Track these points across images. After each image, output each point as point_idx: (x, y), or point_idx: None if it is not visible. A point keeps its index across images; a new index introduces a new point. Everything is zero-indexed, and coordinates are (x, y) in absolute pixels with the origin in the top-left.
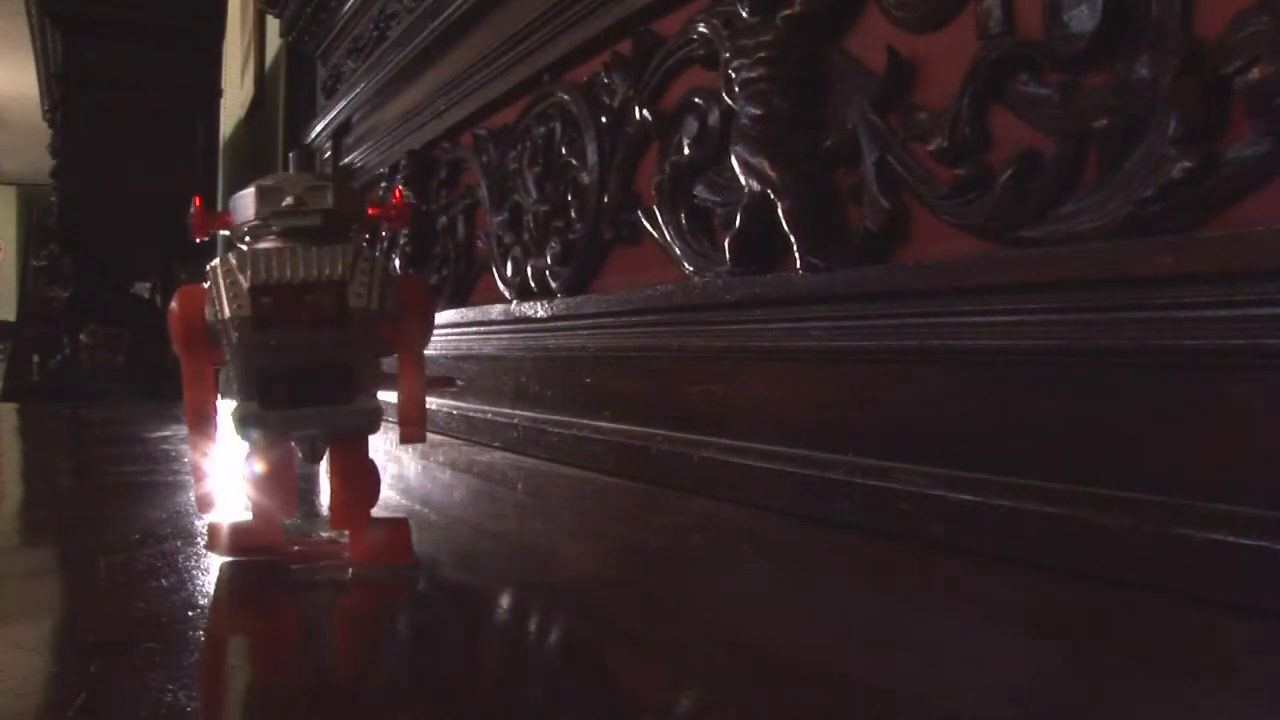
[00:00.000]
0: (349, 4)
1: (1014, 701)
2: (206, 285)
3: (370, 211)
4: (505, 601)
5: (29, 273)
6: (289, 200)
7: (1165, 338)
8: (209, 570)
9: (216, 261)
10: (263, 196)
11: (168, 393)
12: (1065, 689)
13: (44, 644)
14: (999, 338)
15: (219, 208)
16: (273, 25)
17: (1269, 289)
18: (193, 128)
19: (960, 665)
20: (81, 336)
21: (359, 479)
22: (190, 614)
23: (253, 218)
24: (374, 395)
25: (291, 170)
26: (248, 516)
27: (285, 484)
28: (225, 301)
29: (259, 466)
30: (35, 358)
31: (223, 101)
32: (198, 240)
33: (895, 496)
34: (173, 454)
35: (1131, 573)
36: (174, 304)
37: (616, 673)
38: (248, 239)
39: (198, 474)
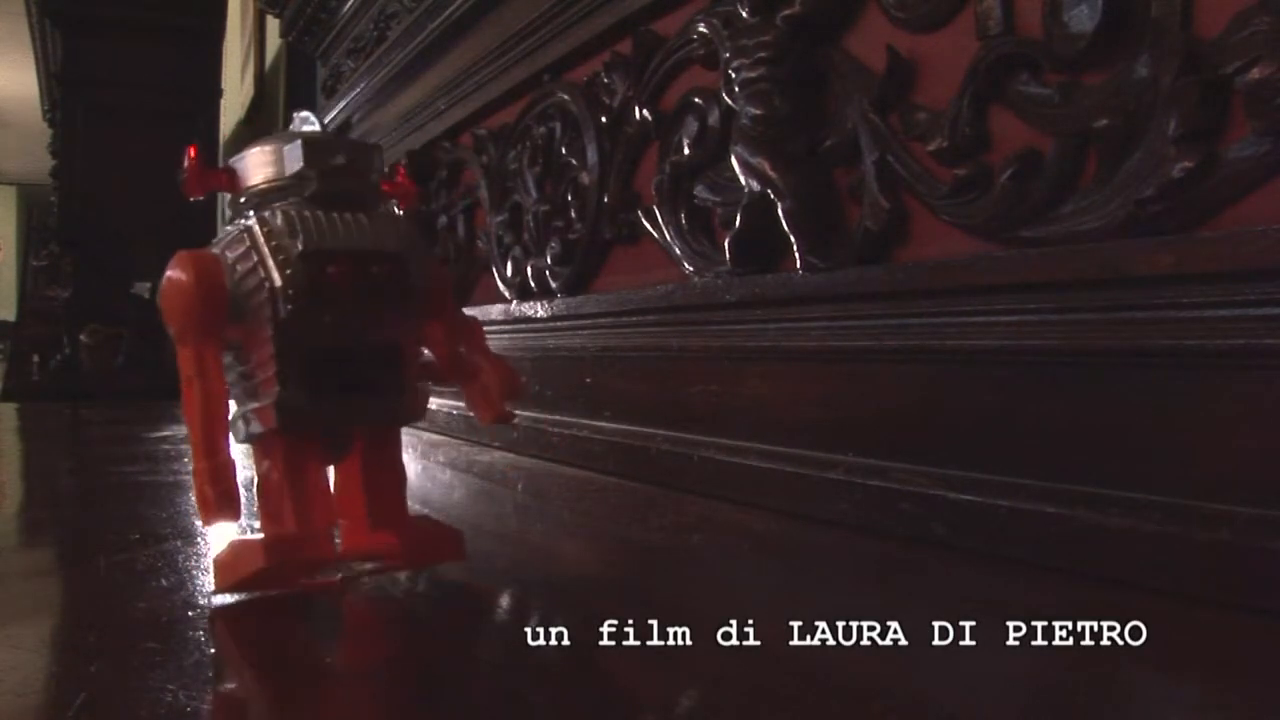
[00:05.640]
0: (349, 4)
1: (1015, 701)
2: (216, 251)
3: (384, 187)
4: (505, 601)
5: (29, 273)
6: (340, 159)
7: (1165, 338)
8: (209, 570)
9: (249, 223)
10: (312, 151)
11: (166, 393)
12: (1066, 688)
13: (44, 644)
14: (999, 338)
15: (216, 203)
16: (273, 25)
17: (1269, 289)
18: (193, 128)
19: (962, 665)
20: (81, 336)
21: (394, 473)
22: (190, 614)
23: (286, 174)
24: (420, 381)
25: (307, 130)
26: (259, 537)
27: (324, 489)
28: (273, 268)
29: (299, 472)
30: (35, 358)
31: (223, 101)
32: (191, 199)
33: (895, 496)
34: (173, 454)
35: (1131, 573)
36: (179, 273)
37: (616, 673)
38: (245, 203)
39: (217, 479)
